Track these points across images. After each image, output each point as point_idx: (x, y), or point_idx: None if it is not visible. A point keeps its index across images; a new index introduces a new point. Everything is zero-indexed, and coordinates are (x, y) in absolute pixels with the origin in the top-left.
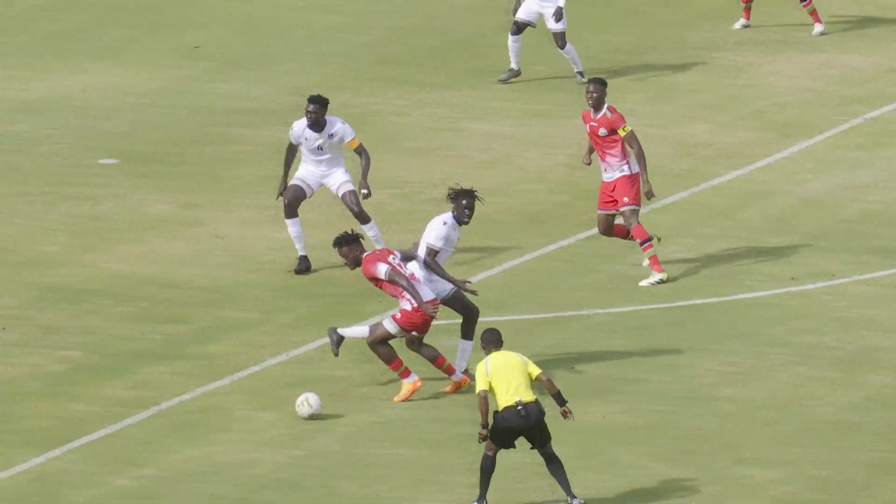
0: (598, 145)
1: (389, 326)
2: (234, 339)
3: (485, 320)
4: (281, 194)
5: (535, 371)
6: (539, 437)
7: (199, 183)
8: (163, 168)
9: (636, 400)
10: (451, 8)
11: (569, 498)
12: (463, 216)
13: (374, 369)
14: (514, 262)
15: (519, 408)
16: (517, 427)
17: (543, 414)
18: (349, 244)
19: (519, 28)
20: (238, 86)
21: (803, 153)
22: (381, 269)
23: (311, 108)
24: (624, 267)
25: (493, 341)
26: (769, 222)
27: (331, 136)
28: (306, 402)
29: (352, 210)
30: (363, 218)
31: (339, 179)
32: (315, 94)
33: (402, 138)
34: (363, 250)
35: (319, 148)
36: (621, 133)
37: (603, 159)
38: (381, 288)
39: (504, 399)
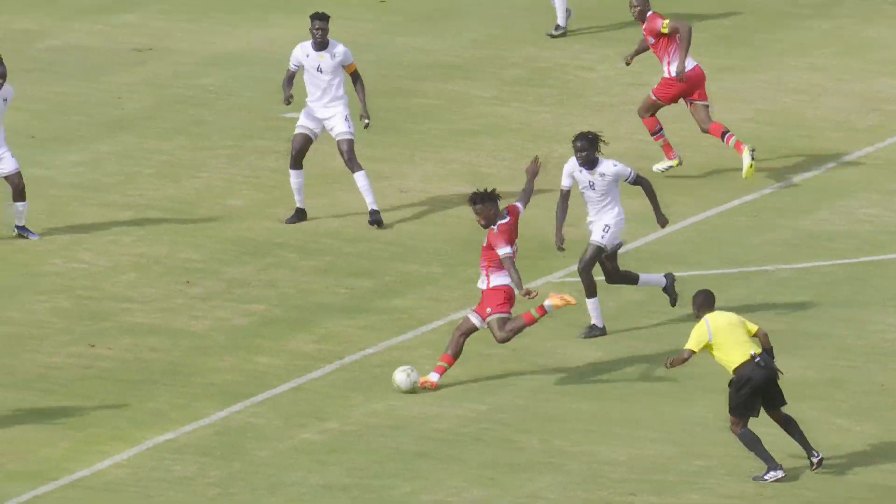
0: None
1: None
2: (418, 292)
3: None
4: (288, 102)
5: (753, 327)
6: (778, 393)
7: (384, 137)
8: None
9: (819, 355)
10: None
11: (811, 456)
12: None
13: (557, 324)
14: (698, 216)
15: (757, 359)
16: (759, 380)
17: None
18: (484, 202)
19: None
20: (422, 39)
21: None
22: (503, 251)
23: (316, 24)
24: (808, 222)
25: (707, 303)
26: None
27: (333, 55)
28: (408, 375)
29: (343, 158)
30: (354, 166)
31: (339, 128)
32: (318, 10)
33: (587, 93)
34: (498, 210)
35: (319, 70)
36: (663, 30)
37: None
38: (483, 253)
39: (737, 355)
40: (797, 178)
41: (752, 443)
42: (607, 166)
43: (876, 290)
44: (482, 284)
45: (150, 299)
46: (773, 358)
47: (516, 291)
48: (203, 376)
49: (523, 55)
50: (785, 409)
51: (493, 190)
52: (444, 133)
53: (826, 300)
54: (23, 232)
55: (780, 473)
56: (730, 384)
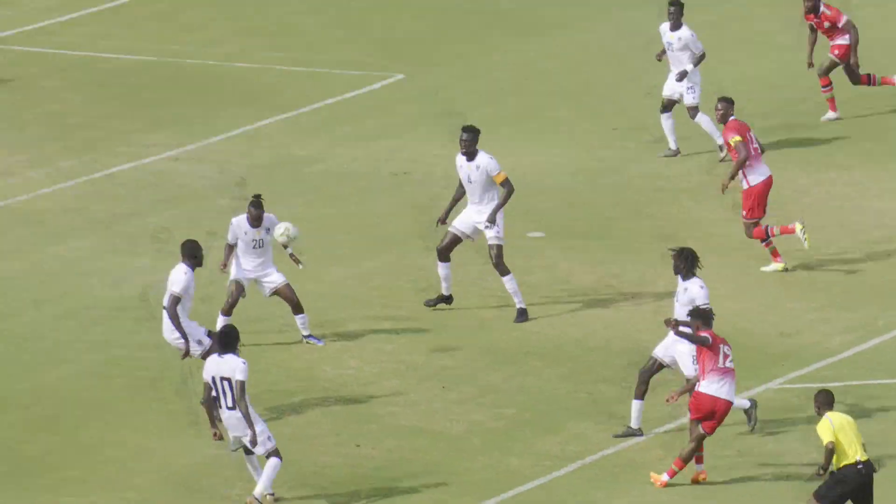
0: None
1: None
2: (653, 397)
3: (881, 382)
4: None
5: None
6: (867, 497)
7: (618, 254)
8: (580, 240)
9: None
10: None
11: None
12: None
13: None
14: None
15: (860, 466)
16: (855, 486)
17: (875, 472)
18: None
19: (665, 106)
20: (654, 165)
21: None
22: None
23: (464, 136)
24: None
25: (828, 402)
26: None
27: (478, 166)
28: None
29: (492, 262)
30: (501, 270)
31: (489, 234)
32: (468, 124)
33: (804, 214)
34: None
35: (469, 180)
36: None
37: None
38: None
39: (845, 458)
40: None
41: None
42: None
43: None
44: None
45: (412, 403)
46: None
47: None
48: (459, 475)
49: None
50: None
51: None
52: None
53: None
54: (309, 339)
55: None
56: (830, 474)
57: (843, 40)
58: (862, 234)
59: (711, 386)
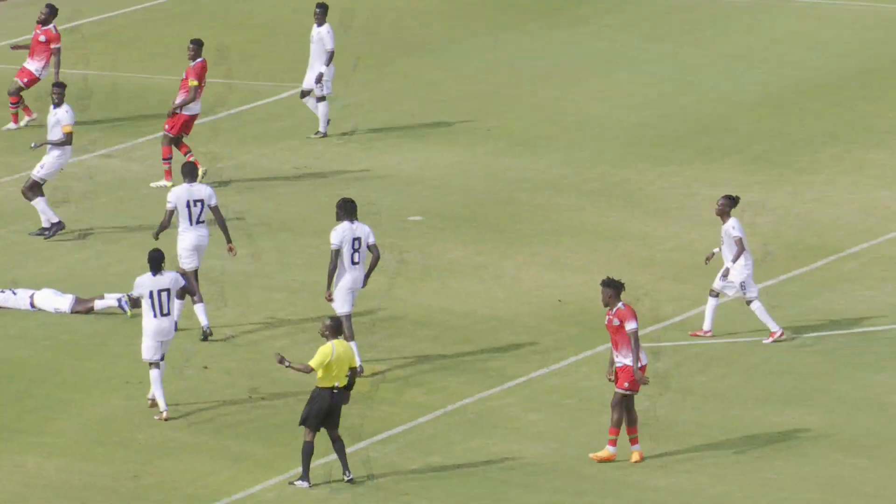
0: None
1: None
2: (508, 356)
3: (709, 341)
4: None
5: (355, 363)
6: (337, 420)
7: (487, 235)
8: (455, 222)
9: (822, 405)
10: (701, 99)
11: (345, 472)
12: None
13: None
14: (731, 297)
15: (335, 391)
16: (326, 404)
17: (345, 402)
18: (613, 288)
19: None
20: (520, 160)
21: None
22: (633, 324)
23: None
24: (817, 301)
25: (335, 330)
26: None
27: None
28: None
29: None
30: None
31: None
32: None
33: (647, 202)
34: (619, 298)
35: None
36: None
37: None
38: (614, 335)
39: (327, 381)
40: (808, 269)
41: (306, 454)
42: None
43: (870, 354)
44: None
45: (302, 360)
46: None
47: (635, 366)
48: (344, 419)
49: (600, 171)
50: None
51: (621, 282)
52: (534, 232)
53: (830, 362)
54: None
55: (305, 485)
56: (312, 393)
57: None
58: (696, 218)
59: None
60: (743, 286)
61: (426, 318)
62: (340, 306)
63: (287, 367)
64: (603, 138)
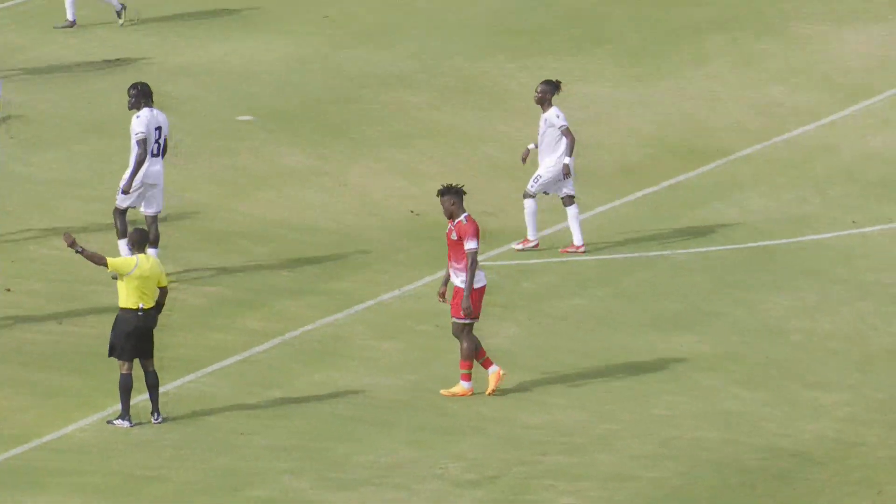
0: None
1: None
2: (355, 276)
3: (583, 259)
4: None
5: (165, 281)
6: (149, 347)
7: (328, 138)
8: (293, 123)
9: (714, 331)
10: None
11: (153, 414)
12: None
13: (488, 299)
14: (606, 206)
15: (140, 313)
16: (132, 327)
17: (155, 324)
18: (446, 194)
19: None
20: (364, 52)
21: (865, 112)
22: (472, 244)
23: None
24: (704, 212)
25: (140, 243)
26: (834, 173)
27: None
28: None
29: None
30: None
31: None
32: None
33: (509, 99)
34: (462, 207)
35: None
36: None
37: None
38: (451, 249)
39: (131, 302)
40: (695, 174)
41: (125, 389)
42: None
43: (765, 272)
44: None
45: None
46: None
47: (466, 292)
48: (163, 350)
49: (453, 65)
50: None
51: (461, 186)
52: (383, 135)
53: (720, 282)
54: None
55: (126, 424)
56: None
57: None
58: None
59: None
60: (556, 183)
61: (261, 233)
62: (123, 200)
63: (78, 252)
64: (457, 27)
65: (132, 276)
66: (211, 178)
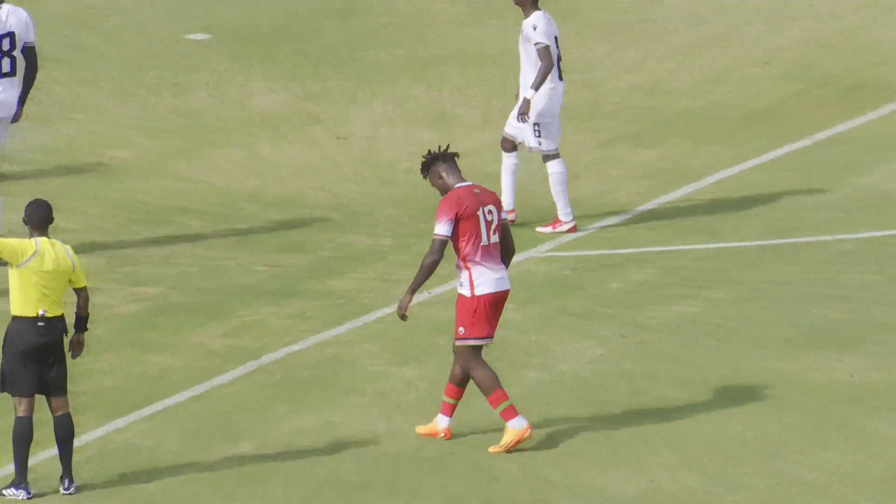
0: None
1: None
2: (359, 272)
3: (695, 247)
4: None
5: (82, 282)
6: (58, 377)
7: (318, 67)
8: (270, 47)
9: (891, 352)
10: None
11: (64, 482)
12: None
13: (547, 311)
14: (728, 171)
15: (41, 323)
16: (31, 349)
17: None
18: (435, 167)
19: None
20: None
21: None
22: (437, 227)
23: None
24: (871, 180)
25: (42, 219)
26: None
27: None
28: None
29: None
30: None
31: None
32: None
33: (585, 9)
34: (458, 176)
35: None
36: None
37: None
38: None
39: (26, 305)
40: (858, 122)
41: (21, 440)
42: None
43: None
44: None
45: (3, 280)
46: (85, 328)
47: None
48: (76, 381)
49: None
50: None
51: (446, 148)
52: (398, 61)
53: None
54: None
55: (22, 495)
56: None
57: None
58: None
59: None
60: (538, 130)
61: (222, 208)
62: None
63: None
64: None
65: (28, 269)
66: (147, 126)
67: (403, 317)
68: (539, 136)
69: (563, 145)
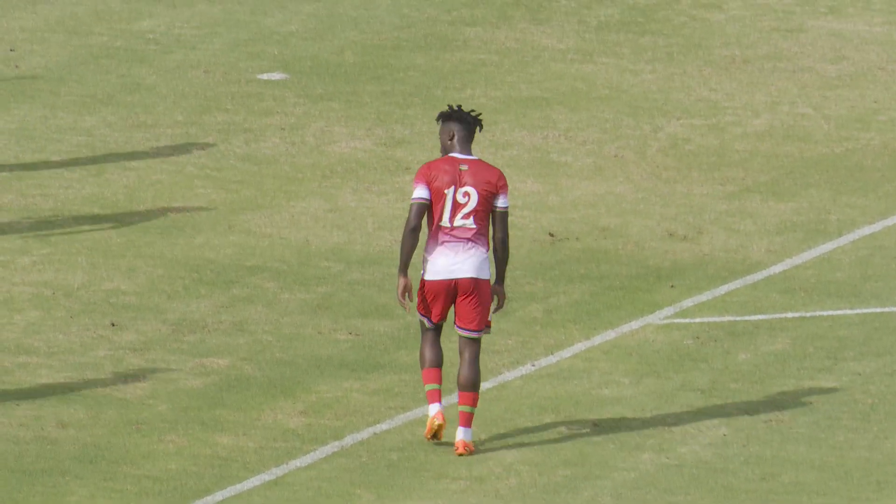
0: None
1: None
2: (455, 340)
3: (835, 313)
4: None
5: None
6: None
7: (406, 109)
8: (352, 87)
9: None
10: None
11: None
12: None
13: (665, 400)
14: (872, 227)
15: None
16: None
17: None
18: (443, 124)
19: None
20: None
21: None
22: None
23: None
24: None
25: None
26: None
27: None
28: None
29: None
30: None
31: None
32: None
33: (710, 41)
34: (465, 146)
35: None
36: None
37: None
38: None
39: None
40: None
41: None
42: None
43: None
44: None
45: (59, 350)
46: None
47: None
48: (136, 465)
49: None
50: None
51: (478, 115)
52: (497, 102)
53: None
54: None
55: None
56: None
57: None
58: None
59: None
60: None
61: (298, 267)
62: None
63: None
64: None
65: None
66: (215, 176)
67: (403, 304)
68: None
69: (686, 196)
